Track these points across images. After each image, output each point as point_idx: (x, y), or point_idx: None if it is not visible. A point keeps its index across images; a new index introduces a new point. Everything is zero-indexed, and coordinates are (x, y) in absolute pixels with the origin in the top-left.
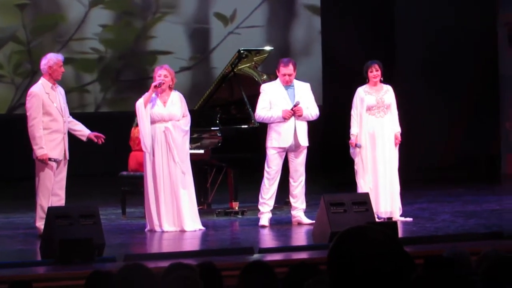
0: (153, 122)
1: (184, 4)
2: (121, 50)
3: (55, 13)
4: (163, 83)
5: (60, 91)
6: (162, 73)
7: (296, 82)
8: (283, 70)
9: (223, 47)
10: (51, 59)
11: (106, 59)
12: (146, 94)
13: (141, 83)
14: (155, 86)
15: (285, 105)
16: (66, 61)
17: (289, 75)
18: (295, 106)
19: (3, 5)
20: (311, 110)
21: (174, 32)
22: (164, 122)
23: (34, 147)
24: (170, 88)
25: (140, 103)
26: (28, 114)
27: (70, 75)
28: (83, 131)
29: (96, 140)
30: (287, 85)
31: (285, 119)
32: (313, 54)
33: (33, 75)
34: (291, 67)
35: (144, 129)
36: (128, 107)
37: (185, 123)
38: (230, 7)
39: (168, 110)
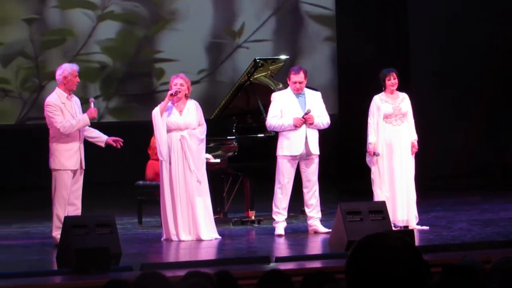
0: (169, 130)
1: (193, 18)
2: (127, 62)
3: (63, 28)
4: (179, 92)
5: (76, 101)
6: (178, 82)
7: (307, 91)
8: (294, 78)
9: (231, 61)
10: (66, 69)
11: (111, 70)
12: (162, 103)
13: (147, 96)
14: (171, 95)
15: (296, 113)
16: None
17: (300, 82)
18: (306, 114)
19: (11, 19)
20: (323, 118)
21: (182, 46)
22: (180, 131)
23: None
24: (186, 97)
25: (156, 112)
26: (51, 120)
27: (78, 86)
28: (100, 137)
29: (114, 145)
30: (298, 93)
31: (296, 127)
32: (326, 63)
33: (41, 90)
34: (301, 74)
35: (161, 138)
36: (132, 117)
37: (201, 131)
38: (239, 21)
39: (184, 118)
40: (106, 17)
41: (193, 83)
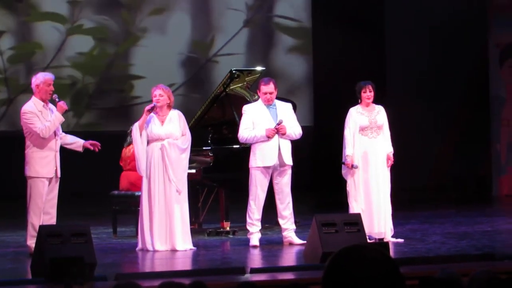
0: (151, 141)
1: (162, 31)
2: (97, 76)
3: (32, 41)
4: (156, 107)
5: (53, 109)
6: (157, 93)
7: (278, 102)
8: (264, 88)
9: (202, 74)
10: (38, 77)
11: (81, 85)
12: (141, 119)
13: (119, 110)
14: (148, 111)
15: (268, 125)
16: None
17: (270, 93)
18: (278, 124)
19: None
20: (295, 129)
21: (151, 59)
22: (161, 141)
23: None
24: (169, 107)
25: (135, 128)
26: (29, 127)
27: None
28: (77, 142)
29: (92, 148)
30: (269, 103)
31: (268, 137)
32: (301, 75)
33: (10, 103)
34: (271, 85)
35: (138, 154)
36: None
37: (183, 141)
38: (208, 34)
39: (165, 129)
40: (76, 31)
41: None
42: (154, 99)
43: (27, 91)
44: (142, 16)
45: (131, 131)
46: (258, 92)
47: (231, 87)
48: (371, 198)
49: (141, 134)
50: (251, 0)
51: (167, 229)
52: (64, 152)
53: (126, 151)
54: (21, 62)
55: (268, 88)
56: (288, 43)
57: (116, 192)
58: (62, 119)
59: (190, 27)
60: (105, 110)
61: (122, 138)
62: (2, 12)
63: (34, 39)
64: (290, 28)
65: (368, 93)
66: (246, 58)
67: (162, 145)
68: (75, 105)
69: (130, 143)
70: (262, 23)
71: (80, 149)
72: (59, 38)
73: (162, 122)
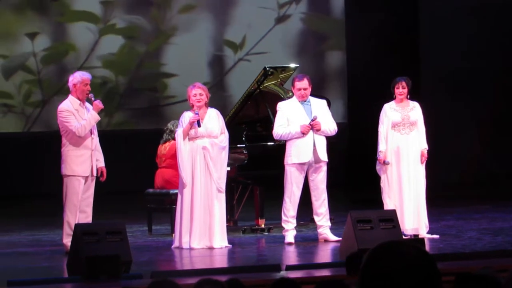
0: (191, 138)
1: (194, 31)
2: (128, 75)
3: (65, 41)
4: (199, 118)
5: (89, 108)
6: (197, 93)
7: (312, 99)
8: (298, 84)
9: (233, 74)
10: (75, 77)
11: (113, 85)
12: (186, 128)
13: (151, 110)
14: (192, 123)
15: (303, 121)
16: None
17: (304, 89)
18: (312, 120)
19: (13, 34)
20: (330, 125)
21: (182, 57)
22: (202, 138)
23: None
24: (206, 105)
25: (180, 136)
26: (65, 125)
27: None
28: (98, 162)
29: (99, 175)
30: (303, 100)
31: (303, 134)
32: (335, 71)
33: (44, 104)
34: (305, 81)
35: (182, 162)
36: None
37: (223, 140)
38: (240, 34)
39: (205, 126)
40: (108, 31)
41: None
42: (194, 98)
43: (61, 92)
44: (172, 14)
45: (167, 129)
46: (292, 88)
47: (265, 84)
48: (403, 194)
49: (184, 140)
50: None
51: (206, 227)
52: None
53: (161, 149)
54: (54, 63)
55: (302, 84)
56: (321, 39)
57: (151, 190)
58: (98, 118)
59: (220, 25)
60: (137, 110)
61: (157, 136)
62: (35, 14)
63: (67, 39)
64: (322, 23)
65: (401, 89)
66: (278, 56)
67: (204, 147)
68: (107, 105)
69: (166, 140)
70: (294, 20)
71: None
72: (92, 38)
73: (202, 119)
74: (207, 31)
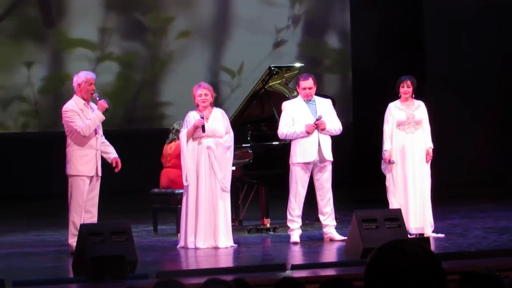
0: (196, 137)
1: (192, 58)
2: (126, 107)
3: (62, 71)
4: (204, 123)
5: (94, 108)
6: (202, 93)
7: (317, 98)
8: (303, 84)
9: (230, 100)
10: (80, 76)
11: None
12: (190, 130)
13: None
14: (197, 127)
15: (308, 120)
16: None
17: (309, 88)
18: (317, 120)
19: (10, 63)
20: (334, 124)
21: (181, 85)
22: (206, 138)
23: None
24: (211, 105)
25: (183, 136)
26: (70, 125)
27: None
28: (110, 153)
29: (114, 165)
30: (308, 99)
31: (308, 133)
32: (340, 71)
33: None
34: (310, 80)
35: (184, 163)
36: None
37: (228, 139)
38: (238, 60)
39: (211, 125)
40: (105, 58)
41: None
42: (199, 98)
43: (55, 126)
44: (168, 40)
45: (173, 128)
46: (297, 87)
47: (270, 84)
48: (408, 193)
49: (187, 142)
50: (281, 22)
51: (211, 227)
52: None
53: (167, 148)
54: (51, 93)
55: (307, 83)
56: (317, 63)
57: (156, 190)
58: (102, 117)
59: (217, 51)
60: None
61: (162, 136)
62: (32, 43)
63: (64, 68)
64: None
65: (406, 88)
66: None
67: (208, 147)
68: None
69: (172, 140)
70: (290, 45)
71: (109, 161)
72: (89, 66)
73: (207, 119)
74: (204, 58)
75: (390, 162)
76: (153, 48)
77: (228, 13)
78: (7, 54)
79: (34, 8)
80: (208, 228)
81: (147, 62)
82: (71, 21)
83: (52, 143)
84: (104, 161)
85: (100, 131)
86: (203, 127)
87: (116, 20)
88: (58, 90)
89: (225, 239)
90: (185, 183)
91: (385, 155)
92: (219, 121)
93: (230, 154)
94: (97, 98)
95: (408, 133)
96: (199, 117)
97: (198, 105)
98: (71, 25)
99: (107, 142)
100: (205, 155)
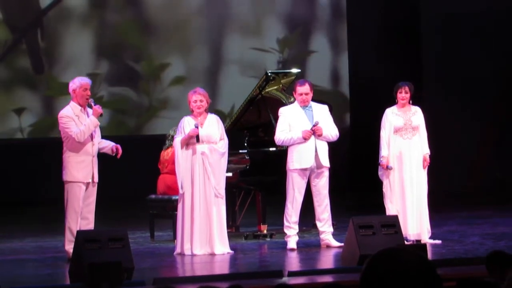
0: (190, 143)
1: (181, 102)
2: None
3: (52, 115)
4: (198, 133)
5: (90, 113)
6: (197, 99)
7: (314, 104)
8: (299, 89)
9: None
10: (75, 82)
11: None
12: (184, 138)
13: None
14: (191, 137)
15: (304, 126)
16: None
17: (306, 94)
18: (314, 126)
19: (0, 111)
20: (331, 130)
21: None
22: (201, 144)
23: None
24: (206, 111)
25: (178, 143)
26: (66, 131)
27: None
28: (108, 145)
29: (114, 151)
30: (305, 105)
31: (305, 139)
32: (337, 76)
33: None
34: (307, 86)
35: (179, 171)
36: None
37: (222, 145)
38: (229, 103)
39: (205, 131)
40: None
41: None
42: (194, 104)
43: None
44: (163, 87)
45: (169, 135)
46: (294, 93)
47: (266, 90)
48: (405, 199)
49: (182, 147)
50: (271, 66)
51: (207, 234)
52: (101, 156)
53: (164, 154)
54: (41, 138)
55: (304, 88)
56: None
57: (153, 196)
58: (97, 123)
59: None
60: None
61: (159, 142)
62: (22, 90)
63: (54, 113)
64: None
65: (403, 94)
66: None
67: (202, 152)
68: None
69: (169, 146)
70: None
71: (110, 152)
72: None
73: (201, 124)
74: None
75: (388, 168)
76: (147, 94)
77: (221, 58)
78: None
79: (24, 56)
80: (204, 235)
81: (139, 108)
82: (63, 66)
83: (50, 149)
84: (100, 167)
85: (98, 137)
86: (197, 137)
87: (107, 66)
88: (48, 135)
89: (221, 246)
90: (180, 191)
91: (383, 161)
92: (213, 127)
93: (224, 160)
94: (92, 104)
95: (405, 139)
96: (194, 124)
97: (193, 111)
98: (61, 71)
99: (103, 140)
100: (199, 161)
